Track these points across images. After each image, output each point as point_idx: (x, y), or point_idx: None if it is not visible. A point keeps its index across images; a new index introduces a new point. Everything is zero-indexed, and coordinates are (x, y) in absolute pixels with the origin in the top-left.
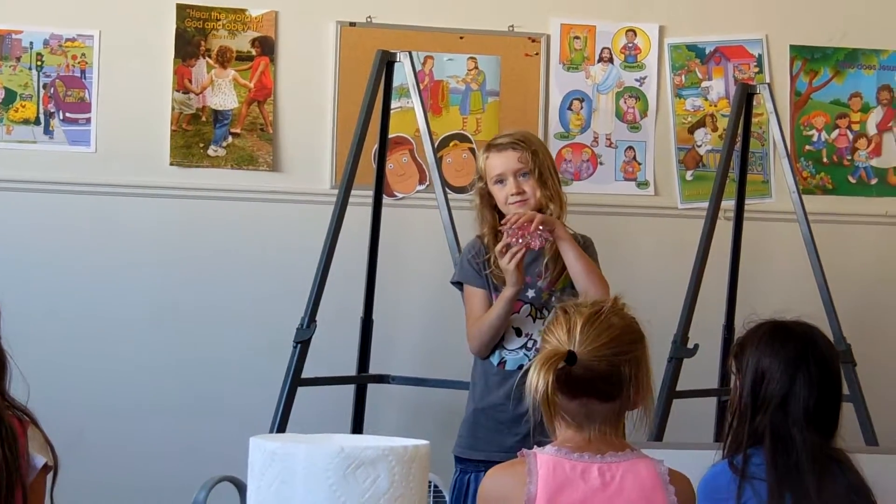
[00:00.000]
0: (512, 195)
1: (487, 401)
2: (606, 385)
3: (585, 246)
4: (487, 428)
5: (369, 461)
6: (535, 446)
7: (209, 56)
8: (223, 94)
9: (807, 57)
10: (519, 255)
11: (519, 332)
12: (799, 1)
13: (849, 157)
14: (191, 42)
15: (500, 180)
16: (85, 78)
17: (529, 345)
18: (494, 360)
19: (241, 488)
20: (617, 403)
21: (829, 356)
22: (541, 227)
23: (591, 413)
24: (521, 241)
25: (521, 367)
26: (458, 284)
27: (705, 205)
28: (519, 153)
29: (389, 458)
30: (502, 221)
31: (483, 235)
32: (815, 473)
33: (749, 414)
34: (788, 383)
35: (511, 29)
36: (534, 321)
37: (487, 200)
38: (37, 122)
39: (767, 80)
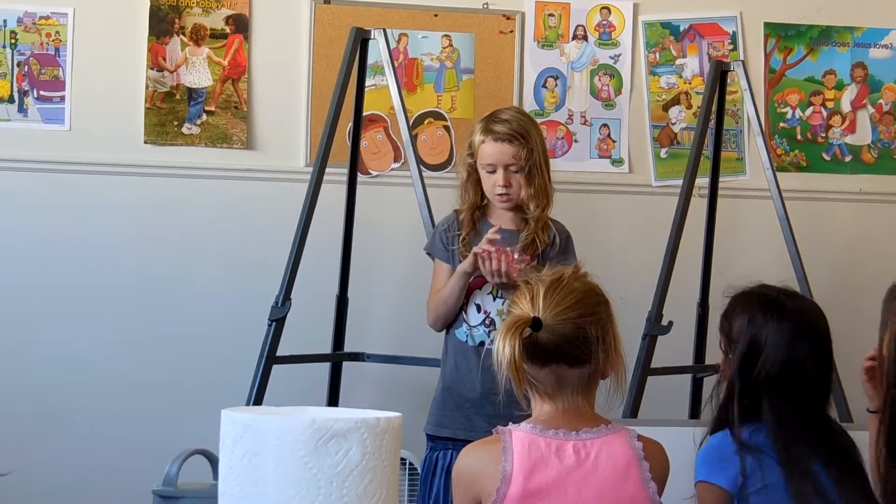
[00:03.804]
0: (498, 186)
1: (455, 378)
2: (574, 349)
3: (565, 243)
4: (455, 406)
5: (341, 433)
6: (511, 423)
7: (183, 34)
8: (197, 71)
9: (781, 34)
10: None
11: (479, 309)
12: None
13: (823, 135)
14: (165, 20)
15: (492, 170)
16: (59, 56)
17: (487, 322)
18: (461, 336)
19: (214, 461)
20: (587, 368)
21: (822, 325)
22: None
23: (562, 379)
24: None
25: (482, 343)
26: (431, 255)
27: (679, 182)
28: (515, 149)
29: (361, 430)
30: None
31: (460, 212)
32: (823, 445)
33: (743, 388)
34: (787, 355)
35: (485, 6)
36: (493, 299)
37: (474, 177)
38: (10, 100)
39: (741, 58)
